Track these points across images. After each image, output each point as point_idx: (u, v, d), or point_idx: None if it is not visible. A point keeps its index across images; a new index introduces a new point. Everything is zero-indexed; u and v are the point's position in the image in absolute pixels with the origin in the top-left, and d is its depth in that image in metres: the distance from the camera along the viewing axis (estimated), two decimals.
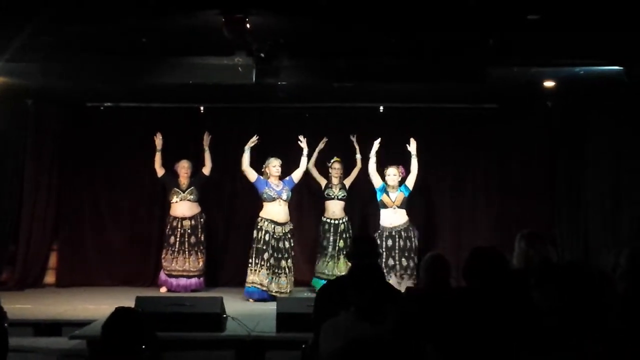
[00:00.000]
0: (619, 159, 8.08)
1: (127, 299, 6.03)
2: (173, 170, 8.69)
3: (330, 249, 8.37)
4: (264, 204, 8.11)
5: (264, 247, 7.93)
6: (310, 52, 6.94)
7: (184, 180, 8.64)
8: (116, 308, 3.06)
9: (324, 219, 8.53)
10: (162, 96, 8.73)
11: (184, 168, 8.66)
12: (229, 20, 5.55)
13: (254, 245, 8.00)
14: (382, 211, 8.12)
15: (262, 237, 7.95)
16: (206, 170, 8.68)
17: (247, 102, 8.95)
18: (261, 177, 8.14)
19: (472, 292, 3.48)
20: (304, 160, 8.23)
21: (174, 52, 6.90)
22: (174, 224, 8.56)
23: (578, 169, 8.62)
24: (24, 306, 7.27)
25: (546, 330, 2.80)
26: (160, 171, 8.66)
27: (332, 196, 8.52)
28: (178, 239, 8.51)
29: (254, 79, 6.86)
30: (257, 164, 8.26)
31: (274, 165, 8.14)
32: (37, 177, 9.05)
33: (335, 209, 8.51)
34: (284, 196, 8.10)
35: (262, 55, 6.62)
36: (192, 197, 8.60)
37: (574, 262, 4.97)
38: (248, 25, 5.59)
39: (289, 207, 8.26)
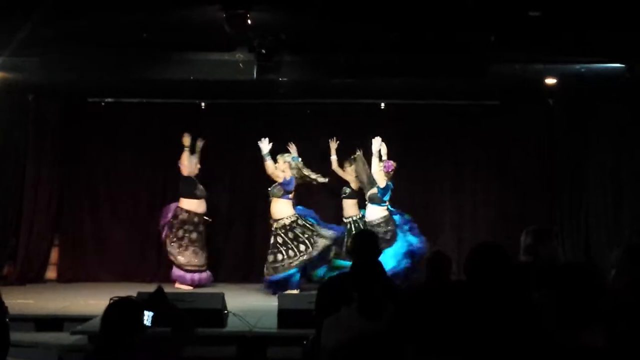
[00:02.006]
0: (620, 156, 8.08)
1: (128, 294, 6.02)
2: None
3: None
4: (277, 199, 8.08)
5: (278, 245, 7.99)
6: (311, 48, 6.94)
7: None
8: (111, 299, 3.15)
9: (346, 219, 8.47)
10: (163, 92, 8.72)
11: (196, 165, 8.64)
12: (231, 16, 5.56)
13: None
14: (375, 207, 8.09)
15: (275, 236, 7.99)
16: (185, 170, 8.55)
17: (248, 98, 8.95)
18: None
19: (471, 288, 3.48)
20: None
21: (175, 48, 6.91)
22: (181, 217, 8.48)
23: (579, 166, 8.62)
24: (26, 301, 7.27)
25: (545, 330, 2.80)
26: (187, 169, 8.52)
27: (350, 195, 8.55)
28: (183, 234, 8.43)
29: (255, 75, 6.87)
30: (256, 159, 8.26)
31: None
32: (39, 173, 9.06)
33: (354, 206, 8.54)
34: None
35: (263, 51, 6.62)
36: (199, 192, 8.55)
37: (572, 262, 4.97)
38: (249, 21, 5.60)
39: (293, 204, 8.27)
